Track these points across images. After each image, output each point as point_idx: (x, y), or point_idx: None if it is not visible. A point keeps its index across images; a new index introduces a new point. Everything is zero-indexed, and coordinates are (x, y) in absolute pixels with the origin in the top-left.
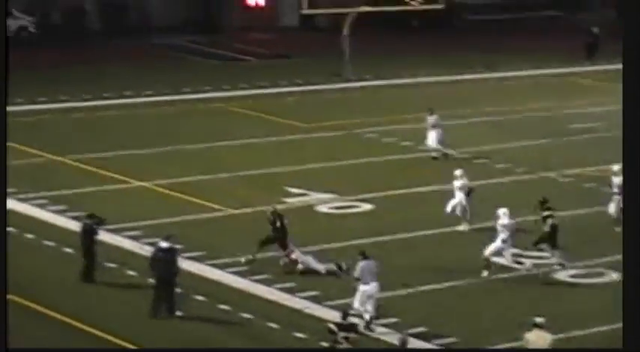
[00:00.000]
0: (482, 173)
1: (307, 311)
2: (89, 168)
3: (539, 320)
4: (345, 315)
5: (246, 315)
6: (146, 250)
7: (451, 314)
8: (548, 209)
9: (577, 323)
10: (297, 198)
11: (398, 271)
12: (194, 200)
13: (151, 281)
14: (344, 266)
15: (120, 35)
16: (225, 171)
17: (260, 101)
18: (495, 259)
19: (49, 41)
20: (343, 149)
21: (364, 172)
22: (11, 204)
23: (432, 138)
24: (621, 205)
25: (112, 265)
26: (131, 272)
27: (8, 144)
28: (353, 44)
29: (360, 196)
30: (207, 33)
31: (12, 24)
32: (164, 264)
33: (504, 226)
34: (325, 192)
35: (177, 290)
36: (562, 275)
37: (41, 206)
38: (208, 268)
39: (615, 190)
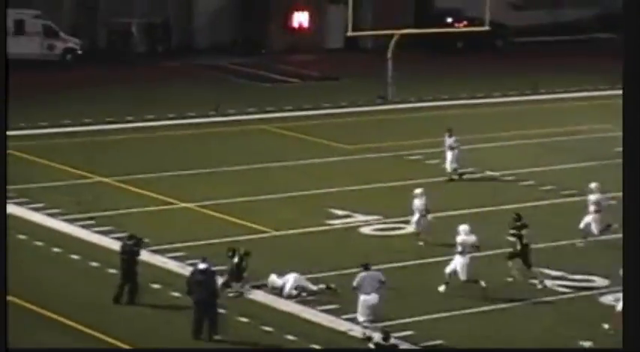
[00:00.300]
0: (527, 195)
1: (351, 333)
2: (134, 189)
3: (587, 344)
4: (386, 336)
5: (289, 337)
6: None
7: (495, 337)
8: (523, 225)
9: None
10: (341, 219)
11: (441, 293)
12: (238, 221)
13: (191, 302)
14: (333, 286)
15: (164, 57)
16: (269, 193)
17: (304, 123)
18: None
19: (94, 63)
20: (387, 171)
21: (408, 194)
22: (57, 224)
23: (448, 160)
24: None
25: (157, 286)
26: (175, 294)
27: (53, 164)
28: (397, 66)
29: (405, 218)
30: (251, 55)
31: (59, 45)
32: (202, 285)
33: (462, 243)
34: (369, 213)
35: (221, 311)
36: (607, 299)
37: (87, 227)
38: (252, 290)
39: (592, 207)
